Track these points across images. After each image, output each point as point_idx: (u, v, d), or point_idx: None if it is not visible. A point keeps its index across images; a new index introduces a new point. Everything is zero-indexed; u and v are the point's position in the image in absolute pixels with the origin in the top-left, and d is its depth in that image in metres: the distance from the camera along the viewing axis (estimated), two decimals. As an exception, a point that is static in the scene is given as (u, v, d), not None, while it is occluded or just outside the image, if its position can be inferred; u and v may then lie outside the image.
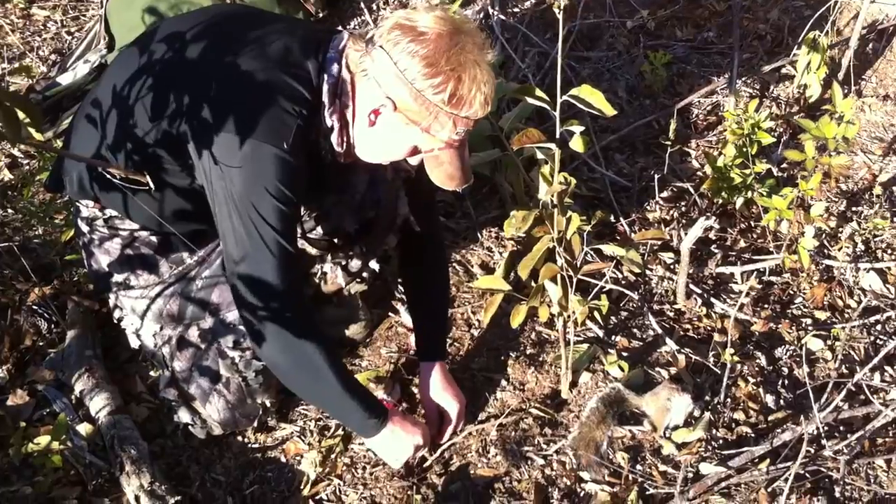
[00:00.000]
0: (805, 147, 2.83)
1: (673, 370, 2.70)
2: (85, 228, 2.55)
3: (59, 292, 2.98)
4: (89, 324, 2.86)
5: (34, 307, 2.89)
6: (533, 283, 2.37)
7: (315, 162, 2.20)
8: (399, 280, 2.85)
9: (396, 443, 2.35)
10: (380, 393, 2.62)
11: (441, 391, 2.55)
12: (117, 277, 2.54)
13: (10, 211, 3.27)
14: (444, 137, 2.10)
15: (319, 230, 2.45)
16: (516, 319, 2.40)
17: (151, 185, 1.81)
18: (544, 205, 2.30)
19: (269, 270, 2.09)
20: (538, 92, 2.12)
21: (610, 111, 2.06)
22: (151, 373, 2.74)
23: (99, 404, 2.61)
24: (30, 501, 2.44)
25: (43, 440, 2.49)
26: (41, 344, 2.87)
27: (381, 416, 2.31)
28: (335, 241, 2.49)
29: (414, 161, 2.26)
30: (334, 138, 2.18)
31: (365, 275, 2.68)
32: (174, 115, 2.14)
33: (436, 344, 2.62)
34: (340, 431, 2.59)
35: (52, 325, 2.88)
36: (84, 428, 2.60)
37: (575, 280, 2.35)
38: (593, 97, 2.08)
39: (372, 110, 2.11)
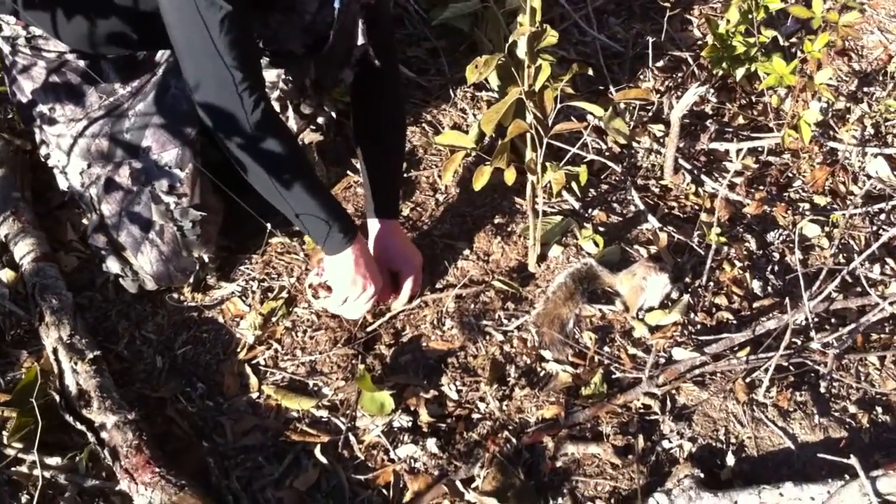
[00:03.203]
0: (813, 4, 2.53)
1: (653, 249, 2.47)
2: (6, 49, 2.29)
3: (-12, 129, 2.72)
4: (19, 164, 2.60)
5: (-41, 144, 2.63)
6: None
7: None
8: (352, 129, 2.53)
9: (356, 272, 2.16)
10: (329, 254, 2.39)
11: (392, 251, 2.33)
12: (41, 108, 2.28)
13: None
14: None
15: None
16: (479, 181, 2.18)
17: None
18: (520, 59, 2.05)
19: (218, 40, 1.87)
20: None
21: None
22: (84, 221, 2.49)
23: (23, 250, 2.38)
24: (-62, 349, 2.23)
25: (-44, 286, 2.28)
26: (-34, 184, 2.62)
27: (351, 231, 2.14)
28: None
29: None
30: None
31: (320, 121, 2.40)
32: None
33: (388, 198, 2.37)
34: (284, 294, 2.37)
35: (-20, 165, 2.63)
36: (6, 274, 2.37)
37: (545, 141, 2.09)
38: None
39: None
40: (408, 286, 2.32)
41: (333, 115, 2.39)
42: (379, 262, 2.31)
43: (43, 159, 2.38)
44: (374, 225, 2.36)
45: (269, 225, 2.11)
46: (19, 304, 2.32)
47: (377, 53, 2.24)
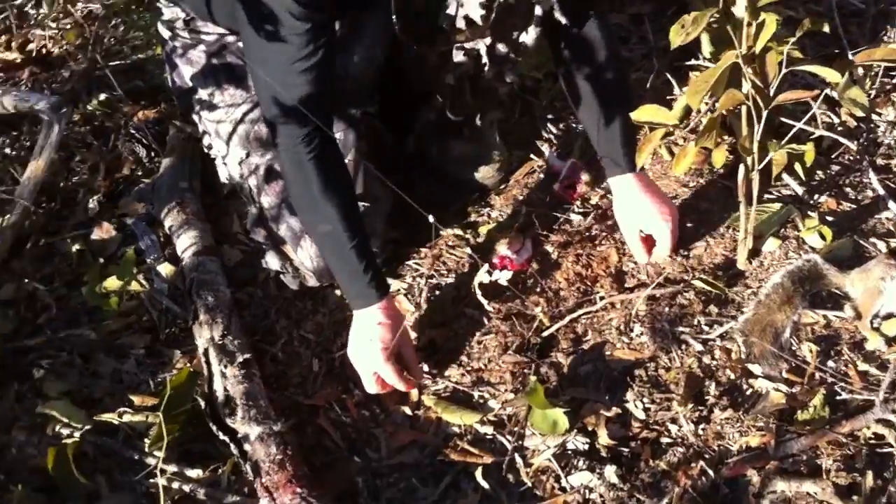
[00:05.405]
0: None
1: (893, 242, 2.03)
2: (166, 34, 2.20)
3: (163, 116, 2.63)
4: (189, 152, 2.49)
5: (133, 132, 2.56)
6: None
7: None
8: (564, 87, 2.18)
9: (374, 333, 1.88)
10: (504, 249, 2.12)
11: (638, 209, 2.06)
12: (201, 93, 2.16)
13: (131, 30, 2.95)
14: None
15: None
16: (682, 163, 1.86)
17: None
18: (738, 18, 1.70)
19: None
20: None
21: None
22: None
23: (185, 242, 2.26)
24: (93, 348, 2.13)
25: (112, 282, 2.19)
26: (140, 174, 2.55)
27: (383, 289, 1.91)
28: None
29: None
30: None
31: (501, 91, 2.14)
32: None
33: (618, 150, 2.06)
34: (452, 293, 2.12)
35: (153, 154, 2.54)
36: (165, 269, 2.26)
37: (765, 113, 1.73)
38: None
39: None
40: (662, 252, 2.08)
41: (516, 86, 2.10)
42: (623, 224, 2.10)
43: (206, 150, 2.26)
44: (611, 184, 2.10)
45: (430, 217, 1.85)
46: (177, 301, 2.20)
47: (570, 7, 1.95)
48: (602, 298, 2.04)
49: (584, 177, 2.30)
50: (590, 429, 1.81)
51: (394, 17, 1.89)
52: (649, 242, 2.10)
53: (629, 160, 2.05)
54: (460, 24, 1.86)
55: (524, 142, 2.43)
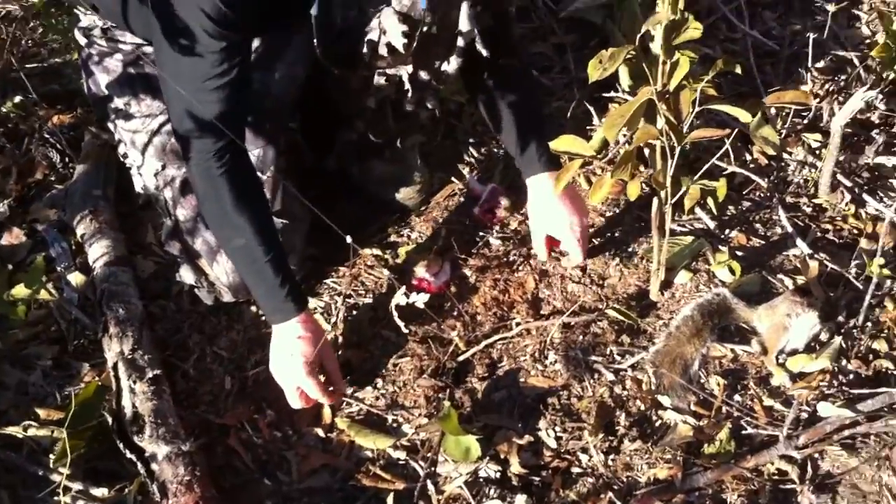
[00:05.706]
0: None
1: (800, 279, 2.10)
2: (83, 41, 2.17)
3: (79, 122, 2.58)
4: (104, 159, 2.44)
5: (47, 136, 2.49)
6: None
7: None
8: (484, 112, 2.24)
9: (294, 347, 1.87)
10: (422, 271, 2.13)
11: (549, 213, 2.12)
12: (117, 102, 2.12)
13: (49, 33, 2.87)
14: None
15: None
16: (597, 193, 1.87)
17: None
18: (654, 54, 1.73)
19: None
20: None
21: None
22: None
23: (97, 252, 2.21)
24: (-2, 358, 2.08)
25: (20, 289, 2.12)
26: (53, 179, 2.49)
27: (301, 303, 1.90)
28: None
29: None
30: None
31: (422, 116, 2.14)
32: None
33: (534, 154, 2.13)
34: (369, 313, 2.11)
35: (67, 159, 2.48)
36: (75, 278, 2.20)
37: (678, 149, 1.76)
38: None
39: None
40: (572, 259, 2.17)
41: (433, 107, 2.11)
42: (532, 224, 2.17)
43: (121, 158, 2.21)
44: (530, 187, 2.16)
45: (348, 238, 1.84)
46: (87, 312, 2.15)
47: (492, 41, 1.95)
48: (518, 325, 2.06)
49: (504, 202, 2.31)
50: (502, 456, 1.82)
51: (314, 39, 1.88)
52: (553, 243, 2.16)
53: (546, 160, 2.11)
54: (382, 50, 1.86)
55: (446, 164, 2.44)
